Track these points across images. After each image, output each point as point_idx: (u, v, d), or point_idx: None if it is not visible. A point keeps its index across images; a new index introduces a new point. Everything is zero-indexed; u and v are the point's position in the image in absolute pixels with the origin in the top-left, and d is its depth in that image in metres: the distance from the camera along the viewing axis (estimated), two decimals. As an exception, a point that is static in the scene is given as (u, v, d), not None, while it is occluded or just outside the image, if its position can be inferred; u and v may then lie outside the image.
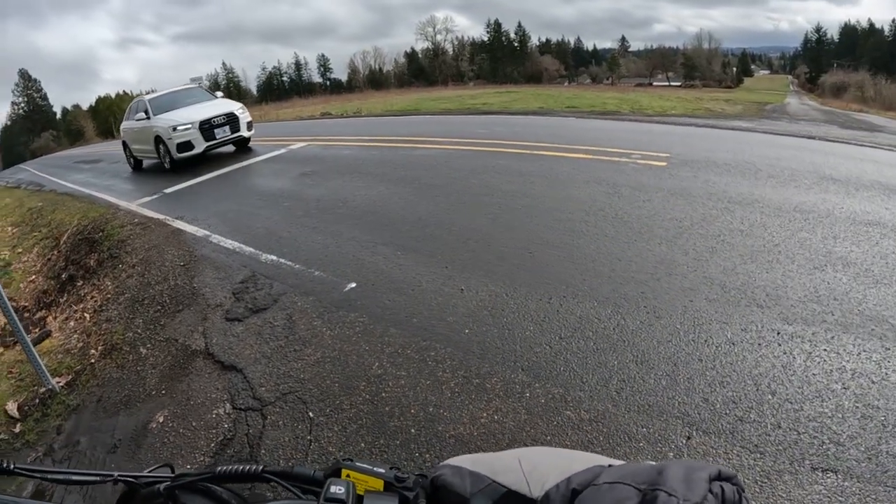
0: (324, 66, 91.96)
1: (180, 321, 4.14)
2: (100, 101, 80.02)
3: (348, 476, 0.57)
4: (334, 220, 5.73)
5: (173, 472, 0.74)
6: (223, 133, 10.76)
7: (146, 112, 11.29)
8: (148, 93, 12.25)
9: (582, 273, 3.84)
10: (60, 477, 0.70)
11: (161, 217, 6.99)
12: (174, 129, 10.34)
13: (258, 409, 2.96)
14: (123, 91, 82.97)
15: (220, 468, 0.66)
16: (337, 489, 0.52)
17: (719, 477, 0.39)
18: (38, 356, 3.79)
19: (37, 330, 5.43)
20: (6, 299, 3.63)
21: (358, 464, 0.55)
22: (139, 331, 4.20)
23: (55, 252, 7.75)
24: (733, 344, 2.90)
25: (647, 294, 3.45)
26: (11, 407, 3.71)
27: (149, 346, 3.96)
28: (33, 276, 7.50)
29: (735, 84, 67.13)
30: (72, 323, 5.13)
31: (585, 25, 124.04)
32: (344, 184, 7.30)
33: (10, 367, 4.55)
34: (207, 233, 5.91)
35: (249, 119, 11.51)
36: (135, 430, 3.17)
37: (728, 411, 2.42)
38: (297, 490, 0.62)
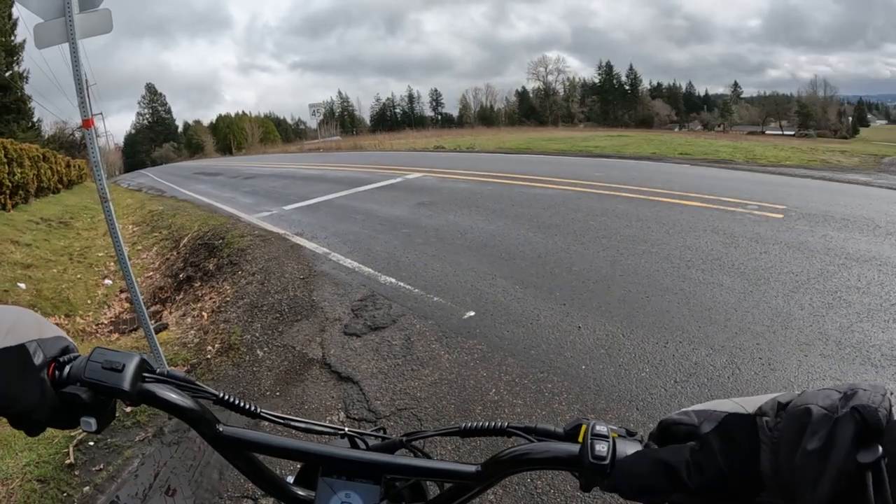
0: (436, 100, 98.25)
1: (298, 330, 4.51)
2: (220, 119, 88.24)
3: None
4: (452, 250, 6.08)
5: (384, 432, 0.85)
6: None
7: None
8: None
9: (698, 320, 3.95)
10: (302, 426, 0.78)
11: (281, 232, 7.64)
12: None
13: (372, 421, 3.20)
14: (242, 111, 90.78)
15: (464, 424, 0.74)
16: (601, 428, 0.63)
17: None
18: (158, 344, 4.21)
19: (153, 322, 6.00)
20: (138, 290, 4.11)
21: (593, 421, 0.65)
22: (257, 334, 4.60)
23: (174, 253, 8.58)
24: (845, 401, 2.91)
25: (763, 345, 3.53)
26: (124, 388, 4.09)
27: (266, 349, 4.33)
28: (150, 273, 8.33)
29: (851, 135, 63.74)
30: (188, 319, 5.66)
31: (698, 70, 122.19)
32: (462, 216, 7.70)
33: (125, 352, 5.05)
34: (327, 250, 6.43)
35: None
36: (247, 425, 3.43)
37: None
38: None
